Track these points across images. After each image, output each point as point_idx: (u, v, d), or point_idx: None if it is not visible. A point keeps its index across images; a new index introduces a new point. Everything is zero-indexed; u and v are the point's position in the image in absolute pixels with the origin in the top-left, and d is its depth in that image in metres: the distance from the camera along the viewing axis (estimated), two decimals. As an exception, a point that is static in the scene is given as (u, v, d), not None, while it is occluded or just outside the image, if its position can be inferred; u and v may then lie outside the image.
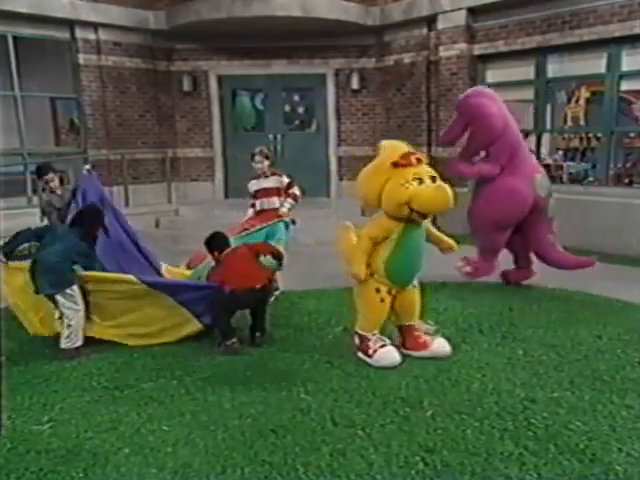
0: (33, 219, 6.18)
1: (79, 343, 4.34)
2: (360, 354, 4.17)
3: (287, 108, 10.77)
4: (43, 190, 5.70)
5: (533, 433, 3.16)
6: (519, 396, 3.60)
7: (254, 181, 5.87)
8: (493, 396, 3.61)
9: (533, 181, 5.64)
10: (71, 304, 4.27)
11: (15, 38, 8.91)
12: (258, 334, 4.55)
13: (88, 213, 4.54)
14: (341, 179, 10.62)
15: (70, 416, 3.41)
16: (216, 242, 4.68)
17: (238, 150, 10.70)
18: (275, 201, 5.75)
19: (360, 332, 4.20)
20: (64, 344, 4.30)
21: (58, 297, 4.25)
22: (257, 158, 5.75)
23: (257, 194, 5.84)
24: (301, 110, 10.84)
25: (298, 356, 4.27)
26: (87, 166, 5.34)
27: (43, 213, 5.68)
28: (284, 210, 5.65)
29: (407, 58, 9.61)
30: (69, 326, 4.28)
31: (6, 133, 9.39)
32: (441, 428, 3.23)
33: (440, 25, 8.95)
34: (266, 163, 5.79)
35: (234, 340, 4.36)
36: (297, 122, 10.96)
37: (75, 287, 4.28)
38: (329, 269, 5.84)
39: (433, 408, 3.46)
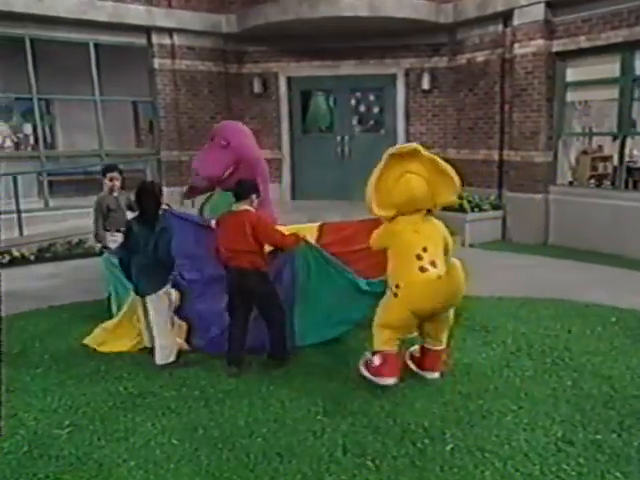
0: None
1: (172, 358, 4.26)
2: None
3: (355, 109, 10.61)
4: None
5: (561, 481, 2.85)
6: (555, 435, 3.26)
7: None
8: (525, 432, 3.30)
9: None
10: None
11: (96, 45, 9.38)
12: (275, 352, 4.20)
13: (142, 191, 4.20)
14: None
15: (89, 422, 3.48)
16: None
17: (305, 152, 10.72)
18: None
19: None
20: (159, 360, 4.23)
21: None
22: None
23: None
24: (370, 111, 10.63)
25: (326, 373, 4.13)
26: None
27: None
28: None
29: (480, 56, 9.14)
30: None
31: (87, 135, 9.99)
32: (458, 466, 2.98)
33: (516, 21, 8.42)
34: None
35: (232, 369, 4.12)
36: (365, 123, 10.78)
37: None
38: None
39: (455, 441, 3.21)
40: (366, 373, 3.85)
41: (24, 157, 10.11)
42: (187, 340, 4.53)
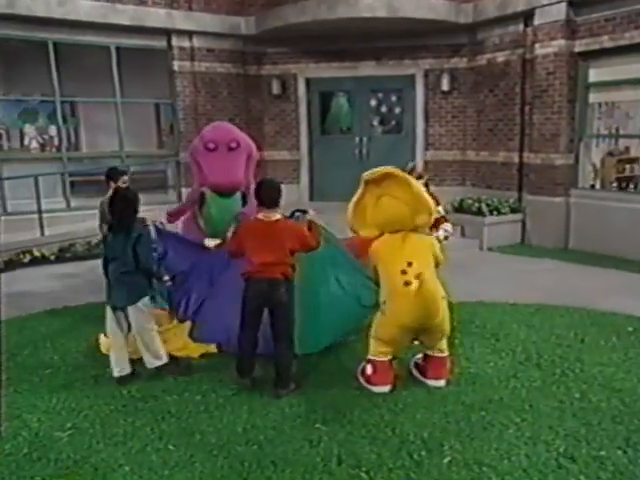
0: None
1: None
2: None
3: (374, 111, 10.55)
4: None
5: (559, 499, 2.77)
6: (557, 450, 3.17)
7: None
8: (527, 447, 3.22)
9: None
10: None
11: (117, 48, 9.51)
12: (280, 387, 3.86)
13: (116, 198, 4.09)
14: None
15: (90, 425, 3.52)
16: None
17: (324, 153, 10.69)
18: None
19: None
20: (149, 364, 4.17)
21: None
22: None
23: None
24: (388, 113, 10.55)
25: (329, 379, 4.10)
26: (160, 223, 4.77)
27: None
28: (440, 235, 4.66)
29: (501, 57, 8.98)
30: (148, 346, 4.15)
31: (110, 137, 10.12)
32: (453, 480, 2.93)
33: (537, 20, 8.25)
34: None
35: (244, 380, 3.97)
36: (384, 125, 10.70)
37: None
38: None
39: (453, 454, 3.15)
40: (361, 380, 4.01)
41: (48, 158, 10.29)
42: (191, 336, 4.55)
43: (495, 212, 8.51)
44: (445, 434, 3.36)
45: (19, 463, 3.13)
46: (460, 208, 8.69)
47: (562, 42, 7.96)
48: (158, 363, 4.16)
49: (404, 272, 3.68)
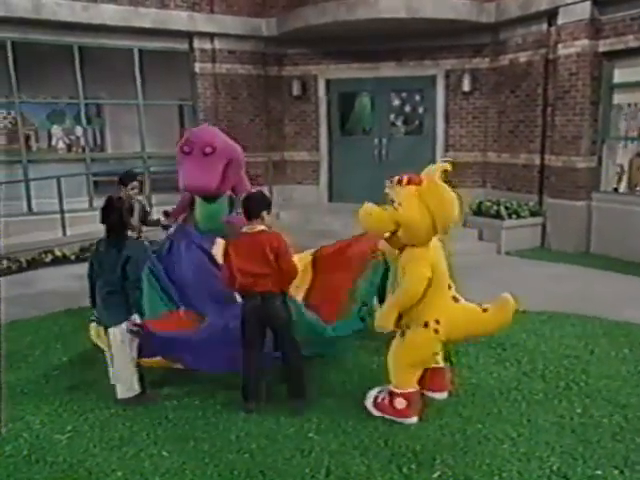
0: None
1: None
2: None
3: (394, 111, 10.48)
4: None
5: (547, 519, 2.72)
6: (551, 468, 3.11)
7: None
8: (520, 463, 3.17)
9: None
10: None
11: (140, 51, 9.66)
12: (296, 396, 3.82)
13: (106, 208, 3.93)
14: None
15: (89, 428, 3.60)
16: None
17: (343, 154, 10.67)
18: None
19: None
20: (121, 394, 3.90)
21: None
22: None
23: None
24: (409, 113, 10.47)
25: (328, 387, 4.10)
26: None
27: None
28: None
29: (523, 57, 8.80)
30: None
31: (135, 138, 10.30)
32: (440, 496, 2.90)
33: (561, 20, 8.06)
34: None
35: (250, 405, 3.79)
36: (404, 125, 10.63)
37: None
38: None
39: (443, 469, 3.12)
40: (377, 413, 3.69)
41: (74, 159, 10.53)
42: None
43: (514, 215, 8.36)
44: (438, 447, 3.33)
45: (17, 465, 3.22)
46: (478, 211, 8.57)
47: (586, 42, 7.76)
48: (129, 395, 3.88)
49: (449, 286, 3.59)
